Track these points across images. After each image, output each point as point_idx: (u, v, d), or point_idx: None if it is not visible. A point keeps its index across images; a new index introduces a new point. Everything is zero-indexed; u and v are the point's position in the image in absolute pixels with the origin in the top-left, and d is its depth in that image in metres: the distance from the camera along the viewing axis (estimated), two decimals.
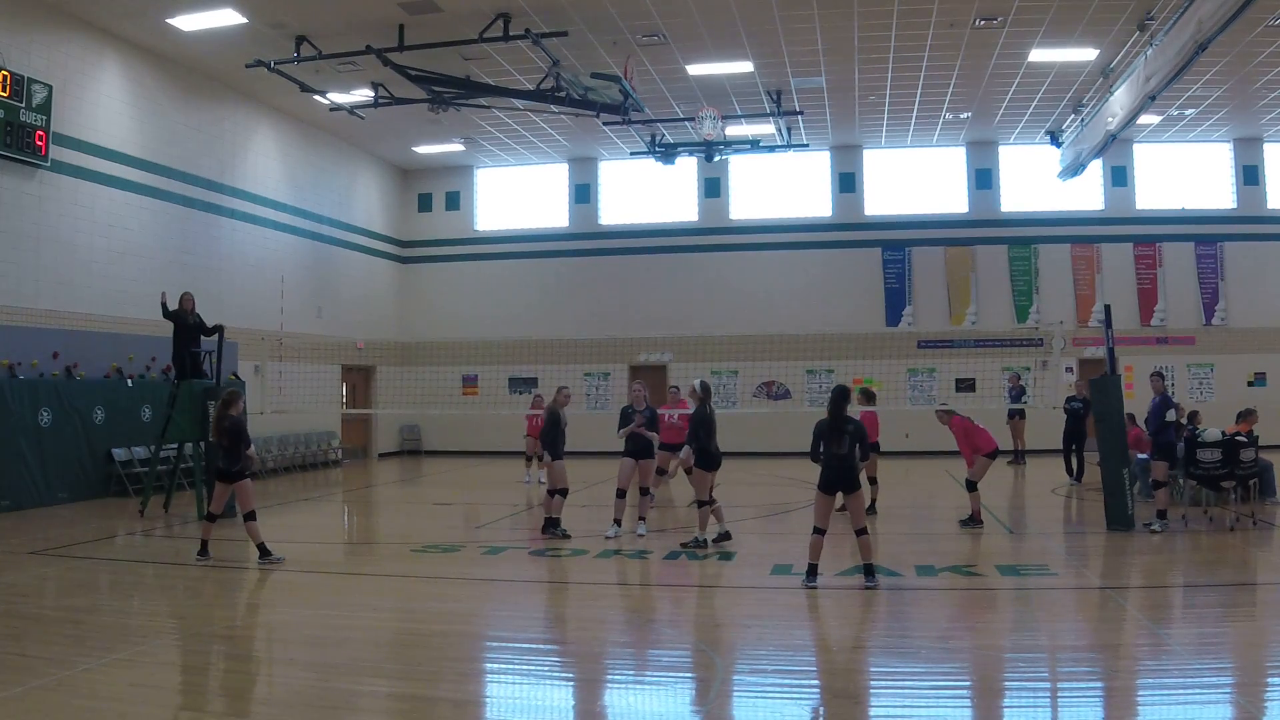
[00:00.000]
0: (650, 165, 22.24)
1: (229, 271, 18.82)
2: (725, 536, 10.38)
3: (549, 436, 11.00)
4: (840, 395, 8.37)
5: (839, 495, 8.33)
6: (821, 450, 8.30)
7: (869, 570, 8.18)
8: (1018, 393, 18.27)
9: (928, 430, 20.38)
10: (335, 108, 18.71)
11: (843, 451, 8.17)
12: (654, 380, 23.62)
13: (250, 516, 9.66)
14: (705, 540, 10.20)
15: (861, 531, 8.27)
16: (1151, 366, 17.90)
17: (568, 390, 11.55)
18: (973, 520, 11.34)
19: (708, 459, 10.16)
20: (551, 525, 11.05)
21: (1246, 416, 12.33)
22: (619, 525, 10.96)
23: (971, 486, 11.40)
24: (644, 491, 11.21)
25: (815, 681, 6.15)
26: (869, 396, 13.21)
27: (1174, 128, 21.74)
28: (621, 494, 11.10)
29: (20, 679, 5.71)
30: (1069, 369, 20.92)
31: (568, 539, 10.88)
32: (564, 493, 11.08)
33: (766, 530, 11.42)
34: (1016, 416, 18.87)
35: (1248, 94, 19.23)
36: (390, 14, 14.86)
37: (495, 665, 6.72)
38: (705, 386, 10.39)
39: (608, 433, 11.14)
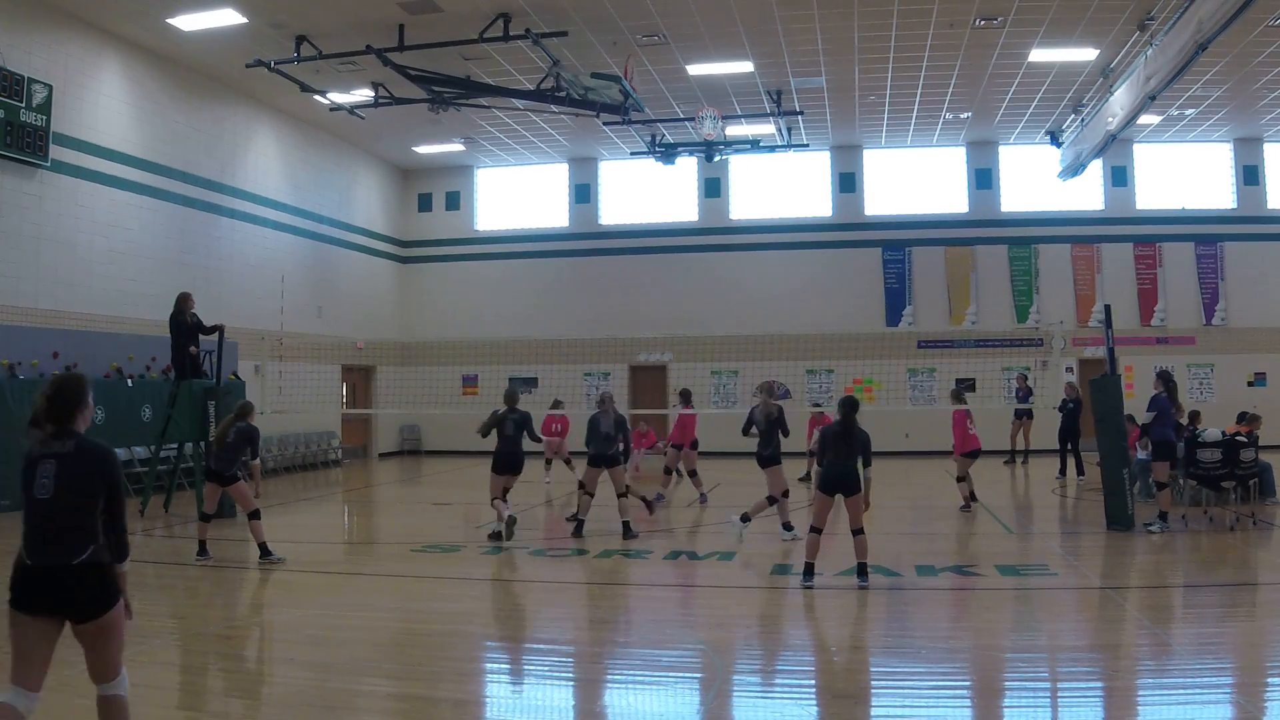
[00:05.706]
0: (650, 165, 22.23)
1: (229, 271, 18.81)
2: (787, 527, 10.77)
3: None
4: (851, 405, 8.50)
5: (838, 497, 8.40)
6: (826, 454, 8.45)
7: (862, 569, 8.25)
8: (1024, 393, 18.22)
9: (927, 430, 20.51)
10: (335, 108, 18.70)
11: (848, 450, 8.32)
12: (654, 380, 23.72)
13: (254, 515, 9.67)
14: (748, 518, 10.72)
15: (858, 531, 8.33)
16: (1152, 366, 17.93)
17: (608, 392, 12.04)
18: (966, 506, 12.80)
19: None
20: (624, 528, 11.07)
21: (1249, 420, 12.39)
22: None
23: (961, 477, 12.90)
24: (621, 496, 11.19)
25: (815, 681, 6.15)
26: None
27: (1174, 128, 21.73)
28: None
29: None
30: (1069, 369, 20.89)
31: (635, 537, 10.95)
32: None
33: (767, 530, 11.39)
34: (1024, 417, 18.82)
35: (1248, 94, 19.23)
36: (390, 14, 14.86)
37: (495, 665, 6.73)
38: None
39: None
